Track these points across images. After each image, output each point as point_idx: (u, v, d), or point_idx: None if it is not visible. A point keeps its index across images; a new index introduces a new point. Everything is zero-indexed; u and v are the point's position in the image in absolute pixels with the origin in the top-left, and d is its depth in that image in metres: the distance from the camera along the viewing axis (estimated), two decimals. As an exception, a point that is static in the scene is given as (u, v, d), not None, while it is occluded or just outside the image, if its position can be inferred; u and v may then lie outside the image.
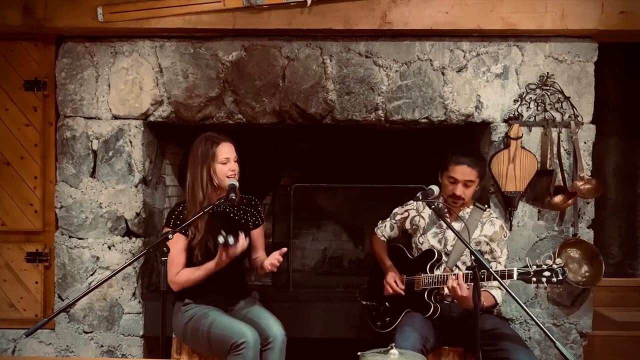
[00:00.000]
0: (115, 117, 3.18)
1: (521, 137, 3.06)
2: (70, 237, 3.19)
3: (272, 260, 2.57)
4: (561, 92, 3.09)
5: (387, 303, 2.83)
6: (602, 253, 3.11)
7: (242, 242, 2.56)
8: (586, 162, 3.10)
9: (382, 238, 3.00)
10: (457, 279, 2.48)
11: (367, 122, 3.17)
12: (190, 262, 2.67)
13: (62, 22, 3.05)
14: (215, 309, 2.65)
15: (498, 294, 2.68)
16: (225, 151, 2.68)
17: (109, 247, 3.19)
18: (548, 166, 3.07)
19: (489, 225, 2.76)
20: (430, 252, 2.73)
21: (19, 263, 3.24)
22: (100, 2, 3.01)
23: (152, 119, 3.18)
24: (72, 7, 3.03)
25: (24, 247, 3.24)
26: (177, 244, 2.62)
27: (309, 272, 4.11)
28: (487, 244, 2.74)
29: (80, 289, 3.14)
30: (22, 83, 3.19)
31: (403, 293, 2.74)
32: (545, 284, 2.34)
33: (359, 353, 2.08)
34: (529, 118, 3.11)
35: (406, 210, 2.92)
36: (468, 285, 2.48)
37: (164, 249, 2.25)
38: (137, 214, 3.21)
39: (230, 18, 3.02)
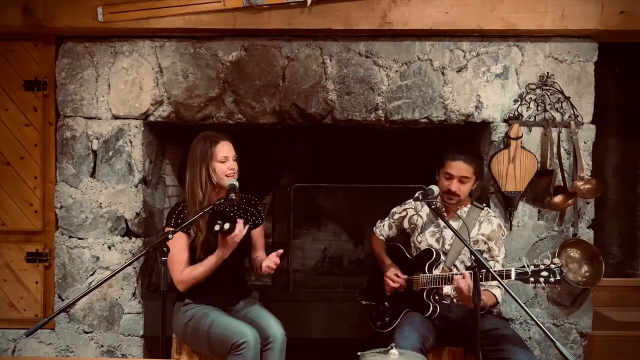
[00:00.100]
0: (115, 117, 3.18)
1: (521, 137, 3.06)
2: (70, 237, 3.19)
3: (268, 263, 2.57)
4: (561, 92, 3.09)
5: (386, 303, 2.83)
6: (602, 253, 3.11)
7: (240, 228, 2.54)
8: (586, 162, 3.10)
9: (381, 237, 3.00)
10: (465, 278, 2.46)
11: (367, 122, 3.17)
12: (194, 263, 2.67)
13: (62, 22, 3.05)
14: (215, 309, 2.65)
15: (498, 293, 2.68)
16: (224, 150, 2.68)
17: (109, 247, 3.19)
18: (548, 166, 3.07)
19: (486, 224, 2.77)
20: (428, 251, 2.73)
21: (19, 263, 3.24)
22: (100, 2, 3.01)
23: (152, 119, 3.18)
24: (72, 7, 3.03)
25: (24, 247, 3.24)
26: (179, 243, 2.62)
27: (309, 272, 4.11)
28: (485, 242, 2.74)
29: (80, 289, 3.14)
30: (22, 83, 3.19)
31: (405, 285, 2.74)
32: (542, 284, 2.34)
33: (359, 353, 2.07)
34: (529, 118, 3.11)
35: (404, 210, 2.93)
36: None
37: (164, 249, 2.25)
38: (137, 214, 3.21)
39: (230, 18, 3.02)
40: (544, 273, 2.33)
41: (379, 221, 3.03)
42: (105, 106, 3.18)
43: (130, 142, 3.19)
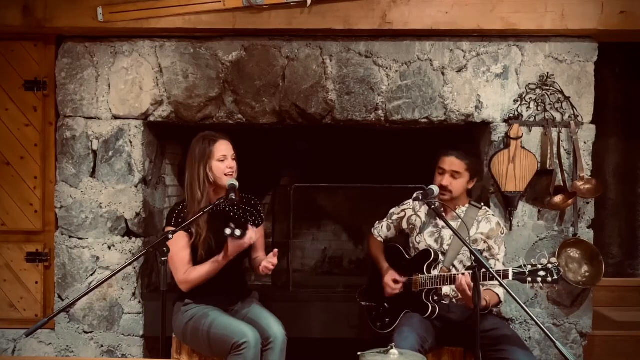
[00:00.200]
0: (115, 117, 3.18)
1: (521, 137, 3.06)
2: (70, 237, 3.19)
3: (266, 264, 2.57)
4: (561, 92, 3.09)
5: (386, 304, 2.83)
6: (602, 253, 3.11)
7: (251, 236, 2.57)
8: (586, 162, 3.10)
9: (379, 239, 3.00)
10: (466, 278, 2.46)
11: (367, 122, 3.17)
12: (195, 262, 2.67)
13: (62, 22, 3.05)
14: (215, 309, 2.65)
15: (501, 292, 2.67)
16: (223, 149, 2.68)
17: (109, 247, 3.19)
18: (548, 166, 3.07)
19: (485, 222, 2.77)
20: (426, 252, 2.73)
21: (19, 263, 3.24)
22: (100, 2, 3.01)
23: (152, 119, 3.18)
24: (72, 7, 3.03)
25: (24, 247, 3.24)
26: (179, 243, 2.62)
27: (309, 272, 4.11)
28: (485, 241, 2.74)
29: (80, 289, 3.14)
30: (22, 83, 3.19)
31: (403, 289, 2.74)
32: (540, 284, 2.34)
33: (359, 353, 2.07)
34: (529, 118, 3.11)
35: (403, 210, 2.93)
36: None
37: (164, 249, 2.25)
38: (137, 214, 3.21)
39: (230, 18, 3.02)
40: (542, 273, 2.34)
41: (377, 222, 3.03)
42: (105, 106, 3.18)
43: (130, 142, 3.19)
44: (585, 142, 3.11)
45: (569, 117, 3.09)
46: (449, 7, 3.00)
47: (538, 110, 3.10)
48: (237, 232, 2.51)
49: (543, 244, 3.12)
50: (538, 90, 3.10)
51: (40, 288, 3.24)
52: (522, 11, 2.99)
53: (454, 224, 2.66)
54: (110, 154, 3.18)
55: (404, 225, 2.91)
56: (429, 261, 2.70)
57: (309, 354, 3.18)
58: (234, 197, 2.50)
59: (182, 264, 2.63)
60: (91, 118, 3.18)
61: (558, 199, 3.04)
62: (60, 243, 3.19)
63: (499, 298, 2.67)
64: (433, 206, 2.58)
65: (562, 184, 3.06)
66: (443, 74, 3.12)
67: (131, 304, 3.20)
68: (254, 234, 2.60)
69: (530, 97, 3.10)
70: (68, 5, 3.03)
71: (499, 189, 3.07)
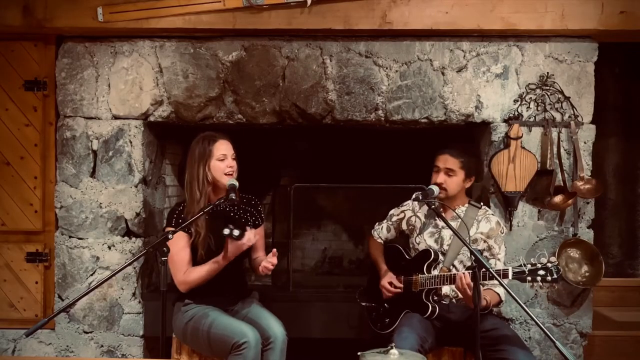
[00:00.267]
0: (115, 117, 3.18)
1: (521, 137, 3.06)
2: (70, 237, 3.19)
3: (265, 264, 2.57)
4: (561, 92, 3.09)
5: (386, 304, 2.83)
6: (602, 253, 3.11)
7: (250, 237, 2.58)
8: (586, 162, 3.10)
9: (379, 240, 3.00)
10: (466, 278, 2.46)
11: (367, 122, 3.17)
12: (195, 262, 2.67)
13: (62, 22, 3.05)
14: (215, 309, 2.65)
15: (502, 292, 2.67)
16: (222, 148, 2.68)
17: (109, 247, 3.19)
18: (548, 166, 3.07)
19: (484, 222, 2.76)
20: (426, 252, 2.73)
21: (19, 263, 3.24)
22: (100, 2, 3.01)
23: (152, 119, 3.18)
24: (72, 7, 3.03)
25: (24, 247, 3.24)
26: (179, 243, 2.62)
27: (309, 272, 4.11)
28: (485, 241, 2.74)
29: (80, 289, 3.14)
30: (22, 83, 3.19)
31: (401, 291, 2.74)
32: (540, 283, 2.35)
33: (359, 353, 2.08)
34: (529, 118, 3.11)
35: (402, 211, 2.93)
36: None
37: (164, 249, 2.25)
38: (137, 214, 3.21)
39: (230, 18, 3.02)
40: (541, 272, 2.34)
41: (377, 224, 3.03)
42: (105, 106, 3.18)
43: (130, 142, 3.19)
44: (585, 142, 3.11)
45: (569, 117, 3.09)
46: (449, 7, 3.00)
47: (538, 110, 3.10)
48: (236, 232, 2.52)
49: (543, 244, 3.12)
50: (538, 90, 3.10)
51: (40, 288, 3.24)
52: (522, 11, 2.99)
53: (453, 223, 2.66)
54: (110, 154, 3.18)
55: (404, 226, 2.91)
56: (429, 261, 2.70)
57: (309, 354, 3.18)
58: (234, 197, 2.50)
59: (182, 264, 2.63)
60: (91, 118, 3.18)
61: (558, 199, 3.04)
62: (60, 243, 3.19)
63: (500, 297, 2.66)
64: (433, 206, 2.58)
65: (562, 184, 3.06)
66: (443, 74, 3.12)
67: (131, 304, 3.20)
68: (252, 235, 2.60)
69: (530, 97, 3.10)
70: (68, 5, 3.03)
71: (499, 189, 3.07)
